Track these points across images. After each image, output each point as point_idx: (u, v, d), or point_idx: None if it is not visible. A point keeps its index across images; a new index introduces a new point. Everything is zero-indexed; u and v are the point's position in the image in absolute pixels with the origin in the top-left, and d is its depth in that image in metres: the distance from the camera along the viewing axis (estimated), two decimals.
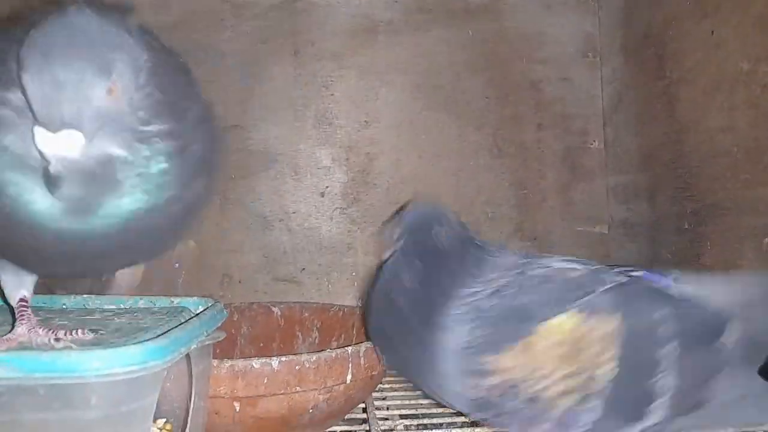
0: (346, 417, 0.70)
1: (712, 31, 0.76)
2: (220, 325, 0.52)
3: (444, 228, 0.59)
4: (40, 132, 0.34)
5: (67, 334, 0.43)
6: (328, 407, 0.62)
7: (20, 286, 0.47)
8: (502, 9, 1.07)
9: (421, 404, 0.75)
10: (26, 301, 0.46)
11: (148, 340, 0.37)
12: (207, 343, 0.48)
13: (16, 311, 0.46)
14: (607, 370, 0.50)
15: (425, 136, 1.05)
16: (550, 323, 0.50)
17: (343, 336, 0.85)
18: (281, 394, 0.58)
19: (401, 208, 0.65)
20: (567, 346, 0.50)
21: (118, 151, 0.36)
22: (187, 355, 0.44)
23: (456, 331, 0.52)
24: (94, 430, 0.34)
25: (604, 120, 1.07)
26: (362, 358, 0.62)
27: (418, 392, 0.79)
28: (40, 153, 0.34)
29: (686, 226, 0.83)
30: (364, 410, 0.72)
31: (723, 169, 0.75)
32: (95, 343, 0.39)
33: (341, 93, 1.05)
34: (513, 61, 1.06)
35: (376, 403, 0.74)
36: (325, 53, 1.05)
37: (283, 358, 0.58)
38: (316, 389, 0.59)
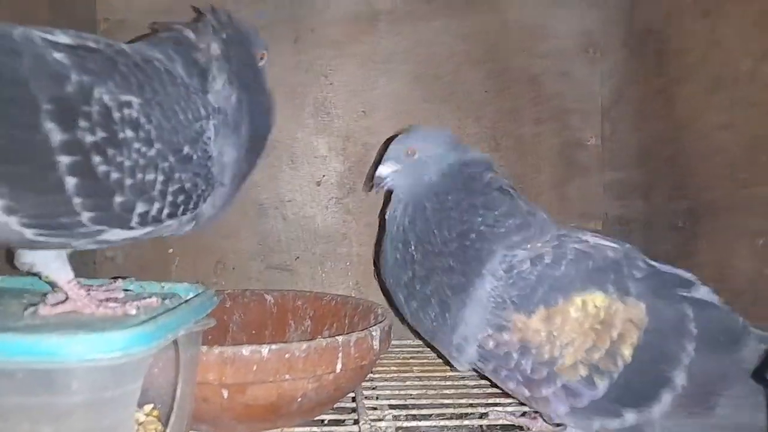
0: (335, 406, 0.70)
1: (713, 29, 0.76)
2: (210, 312, 0.52)
3: (494, 177, 0.60)
4: None
5: (138, 303, 0.48)
6: (317, 396, 0.62)
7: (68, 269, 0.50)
8: (504, 1, 1.05)
9: (411, 395, 0.75)
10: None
11: (133, 325, 0.36)
12: (196, 330, 0.48)
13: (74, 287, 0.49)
14: (625, 354, 0.52)
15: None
16: (584, 297, 0.53)
17: (335, 325, 0.85)
18: (270, 381, 0.58)
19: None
20: (594, 322, 0.52)
21: None
22: (175, 342, 0.44)
23: (492, 285, 0.55)
24: (75, 416, 0.34)
25: (602, 116, 1.06)
26: (352, 348, 0.62)
27: (408, 383, 0.79)
28: None
29: (681, 224, 0.83)
30: (354, 399, 0.72)
31: (720, 168, 0.75)
32: (80, 327, 0.39)
33: (340, 82, 1.05)
34: (513, 55, 1.06)
35: (366, 392, 0.74)
36: (325, 41, 1.04)
37: (273, 346, 0.57)
38: (306, 378, 0.59)
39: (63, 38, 0.46)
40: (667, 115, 0.87)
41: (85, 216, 0.44)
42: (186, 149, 0.49)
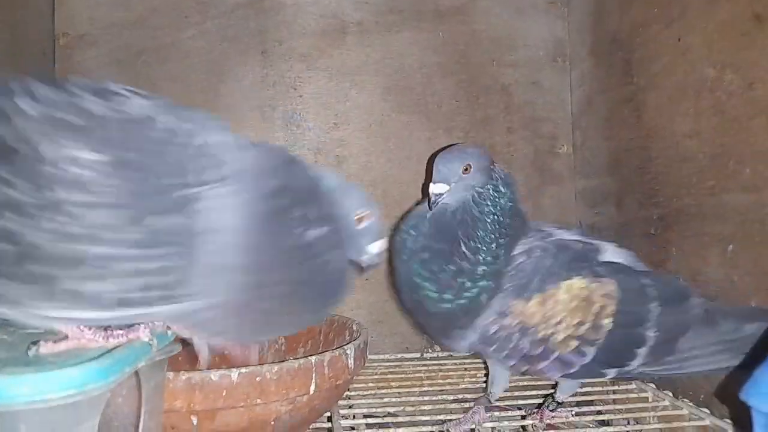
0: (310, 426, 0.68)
1: (679, 38, 0.77)
2: (174, 339, 0.50)
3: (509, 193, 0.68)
4: None
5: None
6: (291, 419, 0.60)
7: None
8: (473, 12, 1.06)
9: (389, 411, 0.74)
10: None
11: (87, 360, 0.34)
12: (159, 358, 0.46)
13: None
14: (606, 324, 0.63)
15: (395, 138, 1.04)
16: (567, 283, 0.63)
17: (310, 342, 0.83)
18: (241, 406, 0.56)
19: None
20: (578, 301, 0.63)
21: None
22: (136, 372, 0.42)
23: None
24: None
25: (573, 124, 1.07)
26: (327, 368, 0.60)
27: (386, 399, 0.78)
28: None
29: (653, 232, 0.84)
30: (329, 419, 0.71)
31: (689, 175, 0.76)
32: (29, 364, 0.37)
33: (310, 94, 1.04)
34: (483, 65, 1.06)
35: (342, 411, 0.73)
36: (293, 53, 1.03)
37: (243, 370, 0.56)
38: (278, 401, 0.58)
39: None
40: (635, 123, 0.88)
41: None
42: (156, 217, 0.40)
